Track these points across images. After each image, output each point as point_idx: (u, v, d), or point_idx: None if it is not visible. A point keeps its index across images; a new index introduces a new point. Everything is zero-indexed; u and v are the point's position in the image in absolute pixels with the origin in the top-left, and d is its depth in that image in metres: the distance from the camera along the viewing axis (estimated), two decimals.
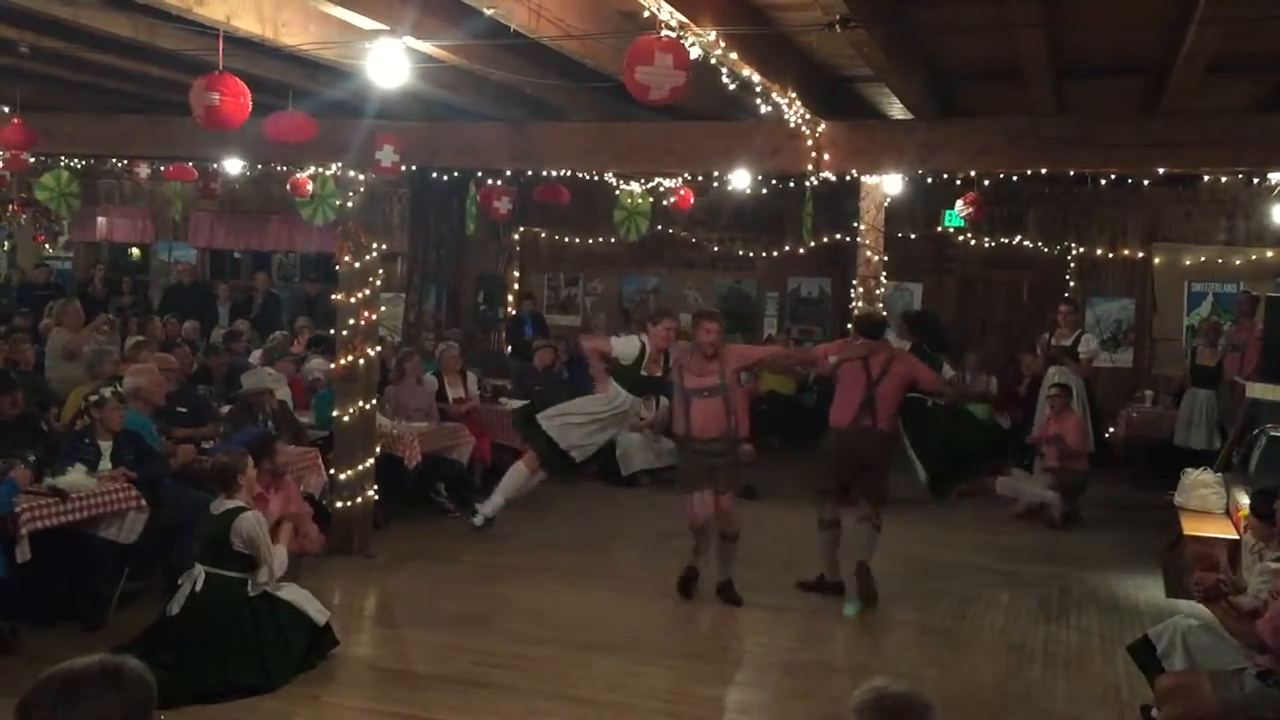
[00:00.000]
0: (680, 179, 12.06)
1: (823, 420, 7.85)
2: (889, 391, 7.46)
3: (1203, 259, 12.96)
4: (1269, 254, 12.59)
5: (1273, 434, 7.94)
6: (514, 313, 15.10)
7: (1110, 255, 13.28)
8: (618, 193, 12.59)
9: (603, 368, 7.98)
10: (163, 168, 13.10)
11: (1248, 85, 8.80)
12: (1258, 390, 8.55)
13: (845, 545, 7.59)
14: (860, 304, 10.11)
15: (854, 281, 10.34)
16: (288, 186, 12.68)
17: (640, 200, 12.58)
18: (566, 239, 15.11)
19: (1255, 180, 11.46)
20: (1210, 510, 8.06)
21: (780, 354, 9.64)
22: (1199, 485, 8.23)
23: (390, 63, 6.48)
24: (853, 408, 7.45)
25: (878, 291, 10.27)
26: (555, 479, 9.04)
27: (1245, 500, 7.75)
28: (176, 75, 8.78)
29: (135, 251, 17.62)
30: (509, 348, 14.08)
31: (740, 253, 14.61)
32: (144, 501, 6.51)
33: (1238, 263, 12.79)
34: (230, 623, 5.65)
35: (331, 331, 9.18)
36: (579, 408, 7.82)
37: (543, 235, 15.26)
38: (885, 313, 9.45)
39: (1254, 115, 9.19)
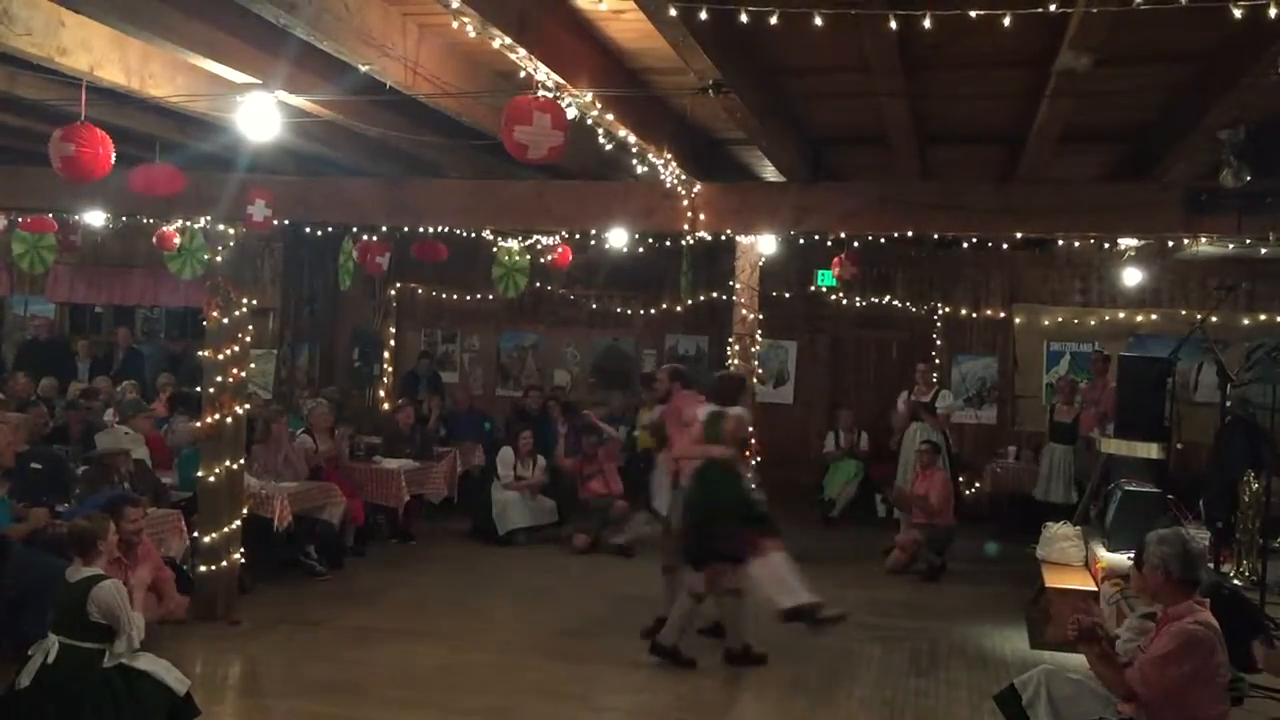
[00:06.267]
0: (558, 237, 12.11)
1: None
2: None
3: (1060, 319, 13.51)
4: (1121, 315, 13.19)
5: (1127, 488, 8.26)
6: (412, 370, 14.73)
7: (974, 315, 13.75)
8: (496, 249, 12.56)
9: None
10: (20, 219, 12.60)
11: (1099, 155, 9.27)
12: (1112, 446, 8.92)
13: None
14: (736, 361, 10.26)
15: (730, 339, 10.48)
16: (154, 240, 12.32)
17: (518, 257, 12.56)
18: (444, 295, 14.98)
19: (1107, 245, 12.03)
20: (1070, 562, 8.35)
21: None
22: (1059, 538, 8.53)
23: (262, 116, 6.39)
24: None
25: (753, 350, 10.42)
26: (433, 539, 8.98)
27: (1103, 552, 8.06)
28: (37, 125, 8.48)
29: None
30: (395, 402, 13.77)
31: (618, 310, 14.68)
32: None
33: (1092, 323, 13.36)
34: (84, 695, 5.36)
35: (198, 389, 8.92)
36: None
37: (419, 291, 15.11)
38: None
39: (1105, 183, 9.68)
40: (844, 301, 13.81)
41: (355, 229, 12.13)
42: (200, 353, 8.40)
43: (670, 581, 7.81)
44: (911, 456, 11.17)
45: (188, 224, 11.69)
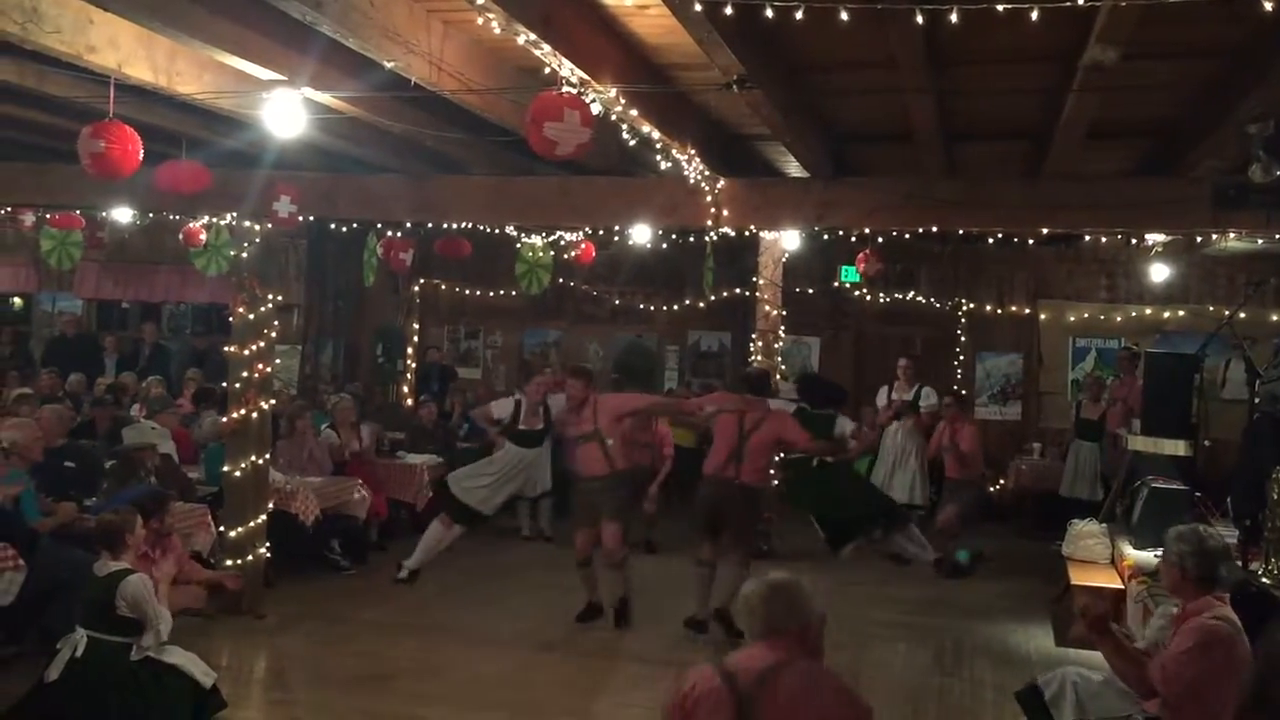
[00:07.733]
0: (581, 233, 12.12)
1: None
2: (758, 447, 7.83)
3: (1085, 315, 13.43)
4: (1147, 311, 13.10)
5: (1154, 485, 8.20)
6: (421, 365, 14.80)
7: (999, 311, 13.68)
8: (519, 246, 12.58)
9: (495, 431, 9.75)
10: (49, 216, 12.71)
11: (1125, 150, 9.20)
12: (1139, 443, 8.85)
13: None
14: (759, 358, 10.23)
15: (753, 335, 10.46)
16: (180, 236, 12.41)
17: (541, 254, 12.58)
18: (467, 291, 15.02)
19: (1133, 241, 11.93)
20: (1096, 560, 8.29)
21: (659, 404, 10.12)
22: (1085, 536, 8.47)
23: (288, 113, 6.42)
24: (720, 458, 7.84)
25: (776, 345, 10.41)
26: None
27: (1129, 550, 8.00)
28: (65, 122, 8.55)
29: (17, 301, 17.03)
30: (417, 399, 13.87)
31: (641, 306, 14.69)
32: (20, 561, 6.23)
33: (1118, 319, 13.28)
34: (112, 688, 5.41)
35: (224, 385, 8.98)
36: (483, 469, 9.16)
37: (443, 287, 15.16)
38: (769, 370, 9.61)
39: (1131, 179, 9.58)
40: (868, 297, 13.76)
41: (380, 225, 12.18)
42: (226, 348, 8.45)
43: (701, 575, 7.96)
44: (891, 454, 11.05)
45: (213, 220, 11.77)
